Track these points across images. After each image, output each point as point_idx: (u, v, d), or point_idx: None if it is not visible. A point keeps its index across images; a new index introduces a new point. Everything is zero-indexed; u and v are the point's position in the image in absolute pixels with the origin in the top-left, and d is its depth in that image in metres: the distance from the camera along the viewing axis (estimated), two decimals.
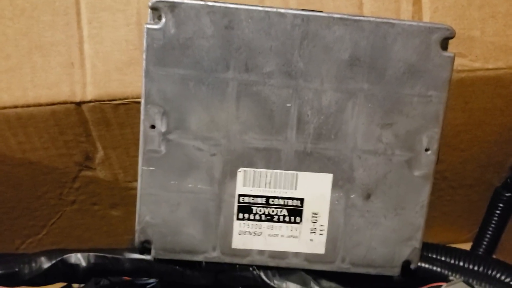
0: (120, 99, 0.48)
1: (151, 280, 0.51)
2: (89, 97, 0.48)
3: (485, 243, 0.62)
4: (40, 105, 0.48)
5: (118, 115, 0.49)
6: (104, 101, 0.48)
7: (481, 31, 0.49)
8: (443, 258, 0.53)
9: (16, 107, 0.48)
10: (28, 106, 0.48)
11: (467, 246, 0.64)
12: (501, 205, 0.60)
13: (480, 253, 0.62)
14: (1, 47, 0.47)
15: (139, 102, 0.43)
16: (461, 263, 0.53)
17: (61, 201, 0.57)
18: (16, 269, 0.44)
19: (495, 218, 0.61)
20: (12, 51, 0.47)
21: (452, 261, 0.53)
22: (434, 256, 0.53)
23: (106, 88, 0.48)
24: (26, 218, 0.58)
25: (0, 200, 0.56)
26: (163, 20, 0.41)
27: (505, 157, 0.58)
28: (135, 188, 0.45)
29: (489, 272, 0.52)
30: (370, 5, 0.48)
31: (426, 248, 0.54)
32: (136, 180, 0.45)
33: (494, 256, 0.64)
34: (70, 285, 0.54)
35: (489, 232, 0.61)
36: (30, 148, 0.51)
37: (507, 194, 0.60)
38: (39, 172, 0.53)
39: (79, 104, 0.48)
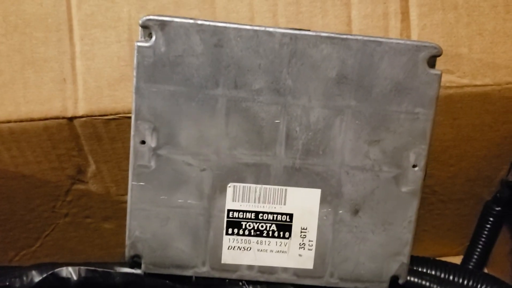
0: (111, 115, 0.49)
1: None
2: (80, 112, 0.49)
3: (475, 256, 0.62)
4: (33, 120, 0.49)
5: (109, 130, 0.50)
6: (95, 116, 0.49)
7: (469, 48, 0.49)
8: (432, 272, 0.54)
9: (9, 122, 0.48)
10: (21, 121, 0.48)
11: (457, 260, 0.64)
12: (491, 219, 0.60)
13: (470, 267, 0.62)
14: None
15: (130, 118, 0.43)
16: (451, 277, 0.53)
17: (54, 214, 0.57)
18: (7, 283, 0.45)
19: (486, 232, 0.61)
20: (5, 67, 0.48)
21: (442, 275, 0.53)
22: (423, 270, 0.54)
23: (97, 103, 0.48)
24: (20, 230, 0.58)
25: None
26: (153, 38, 0.41)
27: (494, 171, 0.58)
28: (127, 202, 0.46)
29: (479, 286, 0.52)
30: (359, 23, 0.49)
31: (416, 261, 0.54)
32: (127, 194, 0.45)
33: (485, 270, 0.64)
34: None
35: (480, 246, 0.62)
36: (23, 162, 0.52)
37: (497, 208, 0.60)
38: (32, 185, 0.54)
39: (71, 119, 0.49)
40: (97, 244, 0.61)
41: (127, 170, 0.44)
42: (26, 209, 0.56)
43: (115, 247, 0.60)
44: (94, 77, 0.48)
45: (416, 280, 0.51)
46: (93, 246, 0.61)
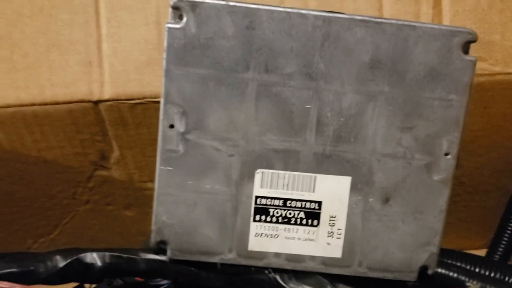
0: (138, 99, 0.48)
1: (164, 282, 0.51)
2: (106, 96, 0.48)
3: (500, 249, 0.61)
4: (57, 103, 0.48)
5: (135, 114, 0.49)
6: (121, 100, 0.48)
7: (502, 35, 0.48)
8: (459, 264, 0.53)
9: (33, 105, 0.48)
10: (45, 104, 0.48)
11: (481, 253, 0.63)
12: None
13: (495, 259, 0.61)
14: (19, 45, 0.47)
15: (156, 102, 0.43)
16: (478, 269, 0.52)
17: (74, 201, 0.57)
18: (32, 268, 0.44)
19: (511, 225, 0.60)
20: (30, 49, 0.47)
21: (469, 267, 0.53)
22: (450, 262, 0.53)
23: (123, 87, 0.48)
24: (39, 217, 0.58)
25: (13, 199, 0.56)
26: (184, 19, 0.41)
27: None
28: (149, 189, 0.45)
29: (506, 278, 0.52)
30: (390, 8, 0.48)
31: (443, 253, 0.53)
32: (151, 181, 0.45)
33: (509, 263, 0.63)
34: (82, 285, 0.53)
35: (505, 239, 0.61)
36: (46, 146, 0.51)
37: None
38: (53, 171, 0.53)
39: (96, 103, 0.48)
40: (118, 232, 0.60)
41: (152, 157, 0.44)
42: (46, 195, 0.56)
43: (136, 235, 0.60)
44: (121, 60, 0.47)
45: (444, 271, 0.50)
46: (113, 235, 0.60)
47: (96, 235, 0.60)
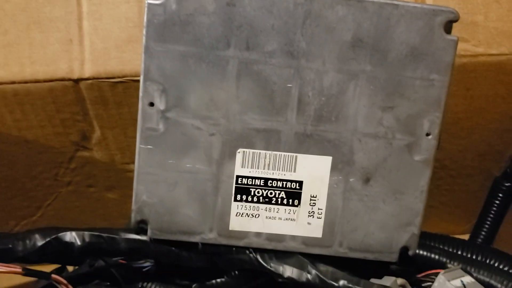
0: (119, 77, 0.48)
1: (147, 263, 0.51)
2: (86, 74, 0.48)
3: (483, 233, 0.61)
4: (38, 81, 0.48)
5: (116, 93, 0.49)
6: (102, 78, 0.48)
7: (485, 16, 0.48)
8: (441, 246, 0.53)
9: (13, 83, 0.47)
10: (26, 82, 0.47)
11: (465, 238, 0.63)
12: (500, 195, 0.60)
13: (478, 243, 0.61)
14: None
15: (137, 81, 0.42)
16: (459, 252, 0.53)
17: (56, 182, 0.56)
18: (10, 246, 0.44)
19: (494, 209, 0.60)
20: (10, 27, 0.47)
21: (450, 250, 0.53)
22: (432, 244, 0.53)
23: (104, 65, 0.47)
24: (21, 198, 0.57)
25: None
26: None
27: (505, 146, 0.57)
28: (131, 170, 0.45)
29: (487, 260, 0.52)
30: None
31: (424, 236, 0.53)
32: (132, 162, 0.44)
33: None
34: (64, 267, 0.53)
35: (488, 223, 0.61)
36: (26, 126, 0.51)
37: (506, 184, 0.59)
38: (35, 151, 0.53)
39: (76, 81, 0.48)
40: (100, 214, 0.60)
41: (133, 137, 0.43)
42: (27, 176, 0.56)
43: (118, 217, 0.59)
44: (101, 38, 0.47)
45: (425, 253, 0.50)
46: (95, 217, 0.60)
47: (78, 217, 0.60)
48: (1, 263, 0.42)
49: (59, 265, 0.52)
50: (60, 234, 0.45)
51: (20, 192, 0.57)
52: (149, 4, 0.40)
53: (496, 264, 0.51)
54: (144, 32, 0.41)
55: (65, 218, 0.60)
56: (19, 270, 0.43)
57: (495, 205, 0.60)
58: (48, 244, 0.45)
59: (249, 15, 0.41)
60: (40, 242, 0.44)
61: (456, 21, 0.42)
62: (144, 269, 0.51)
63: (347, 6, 0.41)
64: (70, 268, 0.53)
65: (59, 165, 0.55)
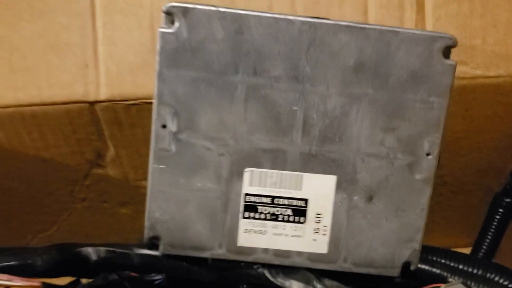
0: (132, 100, 0.50)
1: (158, 277, 0.52)
2: (102, 97, 0.50)
3: (484, 248, 0.63)
4: (55, 104, 0.50)
5: (130, 115, 0.51)
6: (116, 101, 0.50)
7: (483, 39, 0.50)
8: (442, 261, 0.54)
9: (31, 105, 0.50)
10: (43, 104, 0.50)
11: (466, 252, 0.65)
12: (500, 210, 0.61)
13: (479, 257, 0.63)
14: (18, 47, 0.49)
15: (150, 103, 0.44)
16: (461, 266, 0.54)
17: (71, 198, 0.58)
18: (30, 261, 0.46)
19: (495, 224, 0.62)
20: (28, 51, 0.49)
21: (452, 264, 0.54)
22: (434, 259, 0.54)
23: (119, 89, 0.49)
24: (37, 213, 0.59)
25: (12, 195, 0.58)
26: (176, 24, 0.42)
27: (504, 163, 0.59)
28: (144, 187, 0.46)
29: (488, 275, 0.53)
30: (375, 12, 0.50)
31: (426, 250, 0.55)
32: (145, 179, 0.46)
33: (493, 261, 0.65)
34: (79, 280, 0.55)
35: (489, 237, 0.62)
36: (43, 145, 0.53)
37: (506, 200, 0.61)
38: (51, 169, 0.55)
39: (92, 103, 0.50)
40: (113, 229, 0.62)
41: (146, 156, 0.45)
42: (44, 192, 0.58)
43: (130, 232, 0.61)
44: (116, 63, 0.49)
45: (427, 267, 0.52)
46: (109, 231, 0.62)
47: (92, 231, 0.62)
48: (21, 278, 0.44)
49: (73, 278, 0.54)
50: (77, 250, 0.47)
51: (36, 208, 0.59)
52: (162, 32, 0.42)
53: (496, 279, 0.52)
54: (157, 58, 0.43)
55: (79, 232, 0.62)
56: (38, 284, 0.44)
57: (496, 220, 0.62)
58: (65, 259, 0.46)
59: (256, 42, 0.43)
60: (58, 257, 0.46)
61: (454, 46, 0.44)
62: (155, 282, 0.53)
63: (349, 33, 0.43)
64: (83, 281, 0.55)
65: (74, 182, 0.57)
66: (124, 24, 0.49)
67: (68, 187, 0.57)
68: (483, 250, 0.63)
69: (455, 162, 0.58)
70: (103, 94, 0.50)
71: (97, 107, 0.50)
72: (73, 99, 0.50)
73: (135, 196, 0.58)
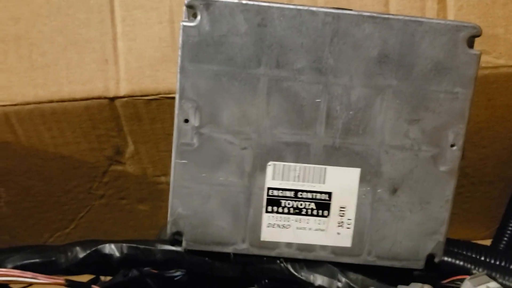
0: (153, 95, 0.49)
1: (178, 272, 0.52)
2: (122, 92, 0.49)
3: (505, 239, 0.62)
4: (75, 100, 0.50)
5: (150, 110, 0.50)
6: (136, 96, 0.50)
7: (505, 28, 0.50)
8: (465, 253, 0.54)
9: (51, 101, 0.49)
10: (63, 101, 0.49)
11: (486, 243, 0.64)
12: None
13: (500, 248, 0.62)
14: (38, 44, 0.49)
15: (170, 98, 0.44)
16: (483, 258, 0.54)
17: (90, 195, 0.58)
18: (54, 258, 0.46)
19: None
20: (48, 48, 0.49)
21: (475, 256, 0.54)
22: (456, 250, 0.54)
23: (139, 84, 0.49)
24: (55, 212, 0.59)
25: (30, 193, 0.58)
26: (198, 17, 0.42)
27: None
28: (163, 183, 0.46)
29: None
30: (396, 3, 0.49)
31: (448, 242, 0.54)
32: (164, 175, 0.46)
33: None
34: (98, 277, 0.55)
35: (509, 229, 0.62)
36: (63, 142, 0.53)
37: None
38: (70, 166, 0.55)
39: (112, 99, 0.50)
40: (131, 226, 0.62)
41: (165, 151, 0.45)
42: (62, 190, 0.57)
43: (148, 229, 0.61)
44: (136, 58, 0.49)
45: (450, 260, 0.52)
46: (127, 228, 0.62)
47: (110, 229, 0.62)
48: (45, 275, 0.44)
49: (93, 276, 0.54)
50: (99, 247, 0.47)
51: (55, 206, 0.59)
52: (184, 26, 0.42)
53: None
54: (179, 52, 0.42)
55: (97, 229, 0.62)
56: (62, 281, 0.44)
57: None
58: (88, 256, 0.46)
59: (279, 34, 0.43)
60: (81, 254, 0.46)
61: (478, 36, 0.43)
62: (175, 278, 0.52)
63: (373, 24, 0.43)
64: (102, 278, 0.55)
65: (93, 179, 0.57)
66: (144, 19, 0.49)
67: (86, 184, 0.57)
68: (504, 242, 0.62)
69: (476, 153, 0.57)
70: (123, 90, 0.49)
71: (117, 102, 0.50)
72: (93, 95, 0.49)
73: (154, 192, 0.58)
